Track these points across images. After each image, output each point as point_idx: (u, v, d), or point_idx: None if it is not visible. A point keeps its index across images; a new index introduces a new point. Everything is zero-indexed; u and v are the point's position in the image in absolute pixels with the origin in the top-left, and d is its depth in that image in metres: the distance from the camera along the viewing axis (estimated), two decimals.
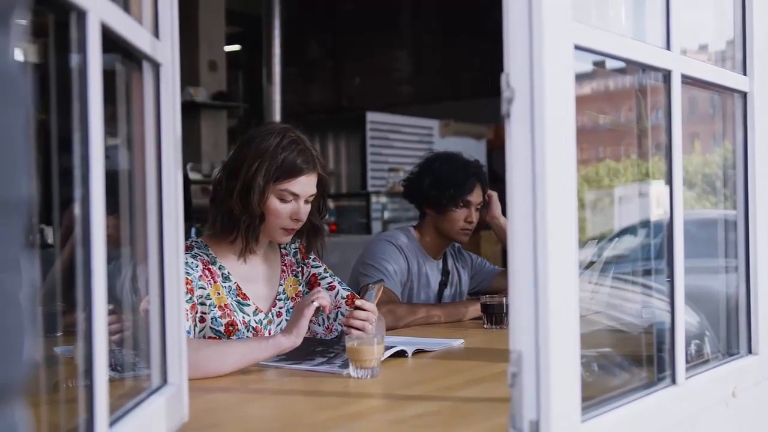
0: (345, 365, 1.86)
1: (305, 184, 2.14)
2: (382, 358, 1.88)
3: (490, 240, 6.56)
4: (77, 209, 0.97)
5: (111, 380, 1.04)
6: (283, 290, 2.28)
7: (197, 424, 1.42)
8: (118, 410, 1.14)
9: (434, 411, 1.55)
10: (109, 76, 1.06)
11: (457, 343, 2.28)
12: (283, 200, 2.13)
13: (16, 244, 0.56)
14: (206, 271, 2.11)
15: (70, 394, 1.37)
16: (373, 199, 7.32)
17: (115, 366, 1.31)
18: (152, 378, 1.32)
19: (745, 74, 1.74)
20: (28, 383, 0.59)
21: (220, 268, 2.16)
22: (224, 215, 2.14)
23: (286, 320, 2.24)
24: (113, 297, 1.13)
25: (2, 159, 0.55)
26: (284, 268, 2.31)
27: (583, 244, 1.26)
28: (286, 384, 1.78)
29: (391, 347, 2.02)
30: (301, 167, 2.13)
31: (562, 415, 1.14)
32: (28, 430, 0.61)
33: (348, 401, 1.67)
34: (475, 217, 2.93)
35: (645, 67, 1.50)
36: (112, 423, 1.06)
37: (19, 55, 0.60)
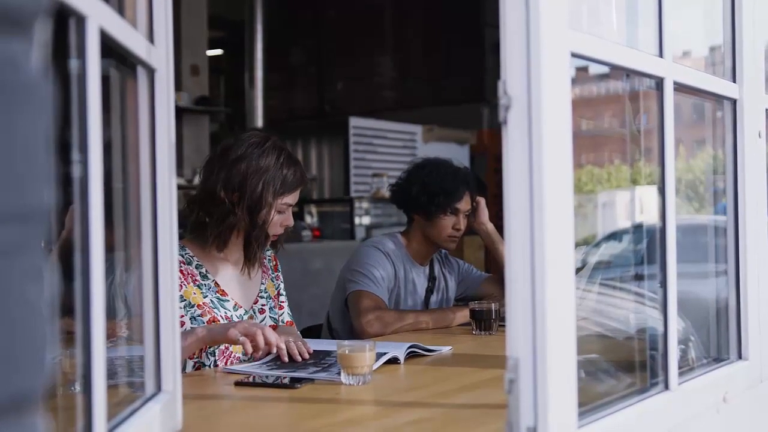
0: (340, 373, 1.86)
1: (298, 195, 2.29)
2: (376, 366, 1.87)
3: (473, 245, 6.57)
4: (76, 215, 0.96)
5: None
6: (265, 289, 2.37)
7: None
8: (114, 418, 1.13)
9: (428, 417, 1.55)
10: (102, 82, 1.05)
11: (446, 349, 2.28)
12: (280, 212, 2.24)
13: (38, 253, 0.56)
14: (178, 273, 2.13)
15: (62, 402, 1.36)
16: (357, 204, 7.30)
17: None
18: (146, 386, 1.31)
19: (734, 81, 1.76)
20: (48, 391, 0.59)
21: (197, 267, 2.22)
22: (228, 230, 2.20)
23: (270, 317, 2.34)
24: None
25: (26, 167, 0.55)
26: (264, 268, 2.40)
27: None
28: (278, 392, 1.77)
29: (384, 353, 2.02)
30: (300, 182, 2.26)
31: (559, 421, 1.14)
32: None
33: (341, 408, 1.67)
34: (463, 224, 2.93)
35: (639, 74, 1.51)
36: (110, 431, 1.05)
37: (40, 63, 0.59)
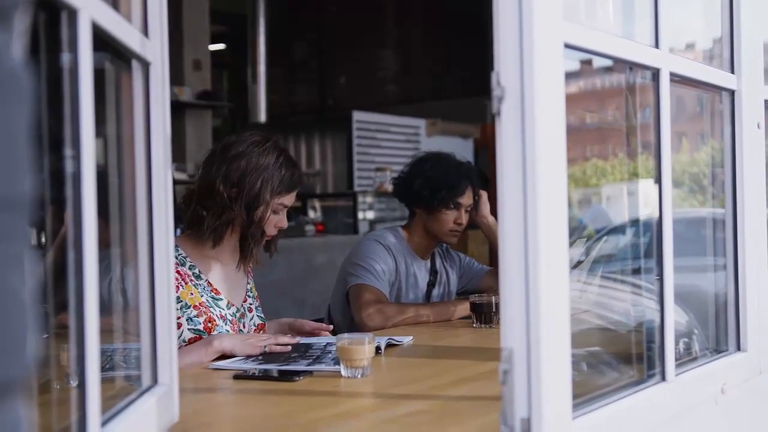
0: (336, 362, 1.86)
1: (294, 197, 2.30)
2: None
3: (476, 239, 6.57)
4: (69, 210, 0.96)
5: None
6: (251, 288, 2.40)
7: (187, 425, 1.42)
8: (109, 410, 1.13)
9: (425, 410, 1.56)
10: (97, 75, 1.05)
11: (408, 339, 2.31)
12: (275, 212, 2.25)
13: (20, 241, 0.57)
14: (175, 274, 2.14)
15: (58, 395, 1.36)
16: (360, 199, 7.30)
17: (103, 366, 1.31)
18: (143, 378, 1.31)
19: (732, 72, 1.75)
20: (31, 380, 0.59)
21: (190, 268, 2.24)
22: (224, 225, 2.22)
23: (258, 315, 2.38)
24: (101, 298, 1.13)
25: (7, 156, 0.55)
26: (250, 268, 2.42)
27: (571, 243, 1.26)
28: (277, 384, 1.77)
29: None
30: (297, 184, 2.28)
31: (553, 412, 1.14)
32: (30, 427, 0.61)
33: (339, 400, 1.67)
34: (464, 218, 2.93)
35: (634, 65, 1.50)
36: (104, 423, 1.05)
37: (20, 53, 0.60)
